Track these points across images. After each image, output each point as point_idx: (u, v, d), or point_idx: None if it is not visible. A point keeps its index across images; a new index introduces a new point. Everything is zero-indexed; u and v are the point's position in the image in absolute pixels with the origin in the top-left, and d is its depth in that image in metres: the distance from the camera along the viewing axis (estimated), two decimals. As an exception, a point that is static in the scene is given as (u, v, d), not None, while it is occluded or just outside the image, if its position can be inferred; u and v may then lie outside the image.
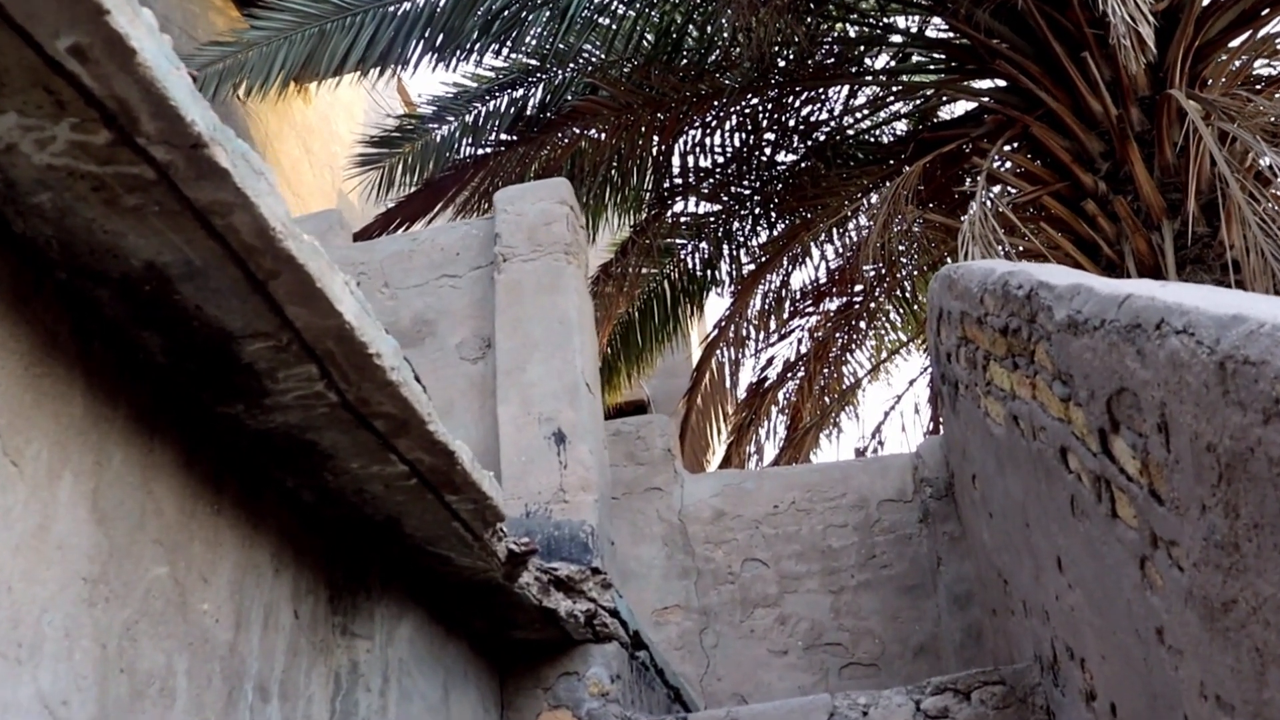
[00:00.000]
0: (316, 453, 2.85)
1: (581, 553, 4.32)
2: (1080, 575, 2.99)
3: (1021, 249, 7.15)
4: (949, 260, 9.63)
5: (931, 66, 9.30)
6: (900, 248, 9.60)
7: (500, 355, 4.88)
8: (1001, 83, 8.28)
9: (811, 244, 10.31)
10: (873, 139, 10.02)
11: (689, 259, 10.79)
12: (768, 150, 9.95)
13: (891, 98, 9.58)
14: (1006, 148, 7.79)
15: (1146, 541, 2.26)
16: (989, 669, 4.17)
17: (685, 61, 8.94)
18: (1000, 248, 6.49)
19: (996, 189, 8.13)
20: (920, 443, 6.88)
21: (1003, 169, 7.97)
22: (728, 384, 10.56)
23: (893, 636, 6.29)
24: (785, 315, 10.61)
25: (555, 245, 5.05)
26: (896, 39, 9.19)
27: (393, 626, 3.45)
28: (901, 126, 10.00)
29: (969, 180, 7.77)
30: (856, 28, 9.61)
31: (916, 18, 9.34)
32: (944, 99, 9.07)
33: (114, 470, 2.32)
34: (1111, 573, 2.62)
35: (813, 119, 9.69)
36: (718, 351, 10.47)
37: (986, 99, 8.24)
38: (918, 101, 9.55)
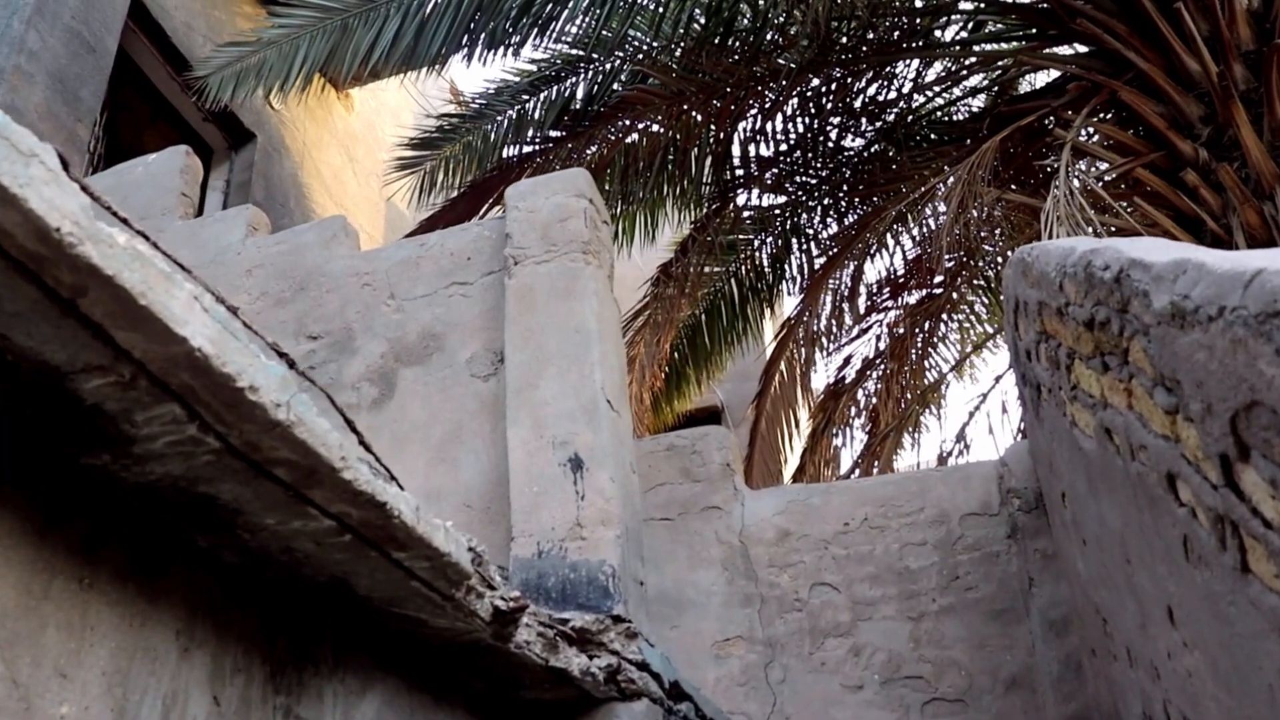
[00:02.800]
0: (220, 508, 2.29)
1: (601, 598, 3.72)
2: (1199, 635, 2.32)
3: (1114, 229, 6.40)
4: (1035, 245, 8.88)
5: (1007, 34, 8.53)
6: (981, 233, 8.85)
7: (510, 371, 4.30)
8: (1085, 47, 7.52)
9: (886, 234, 9.60)
10: (946, 118, 9.29)
11: (756, 255, 10.16)
12: (833, 135, 9.27)
13: (964, 71, 8.83)
14: (1093, 117, 7.04)
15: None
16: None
17: (738, 42, 8.28)
18: (1089, 228, 5.76)
19: (1083, 165, 7.36)
20: (1006, 448, 6.15)
21: (1090, 141, 7.21)
22: (799, 387, 9.88)
23: (981, 668, 5.58)
24: (861, 311, 9.92)
25: (571, 244, 4.45)
26: (967, 6, 8.43)
27: (353, 703, 2.88)
28: (977, 102, 9.25)
29: (1051, 155, 7.03)
30: (922, -3, 8.90)
31: (988, -18, 8.60)
32: (1022, 69, 8.30)
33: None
34: (1244, 644, 1.95)
35: (880, 99, 8.99)
36: (788, 352, 9.80)
37: (1069, 66, 7.47)
38: (994, 74, 8.80)
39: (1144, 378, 2.26)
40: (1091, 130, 7.18)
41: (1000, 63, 8.42)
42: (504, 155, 8.98)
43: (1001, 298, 9.76)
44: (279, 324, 5.08)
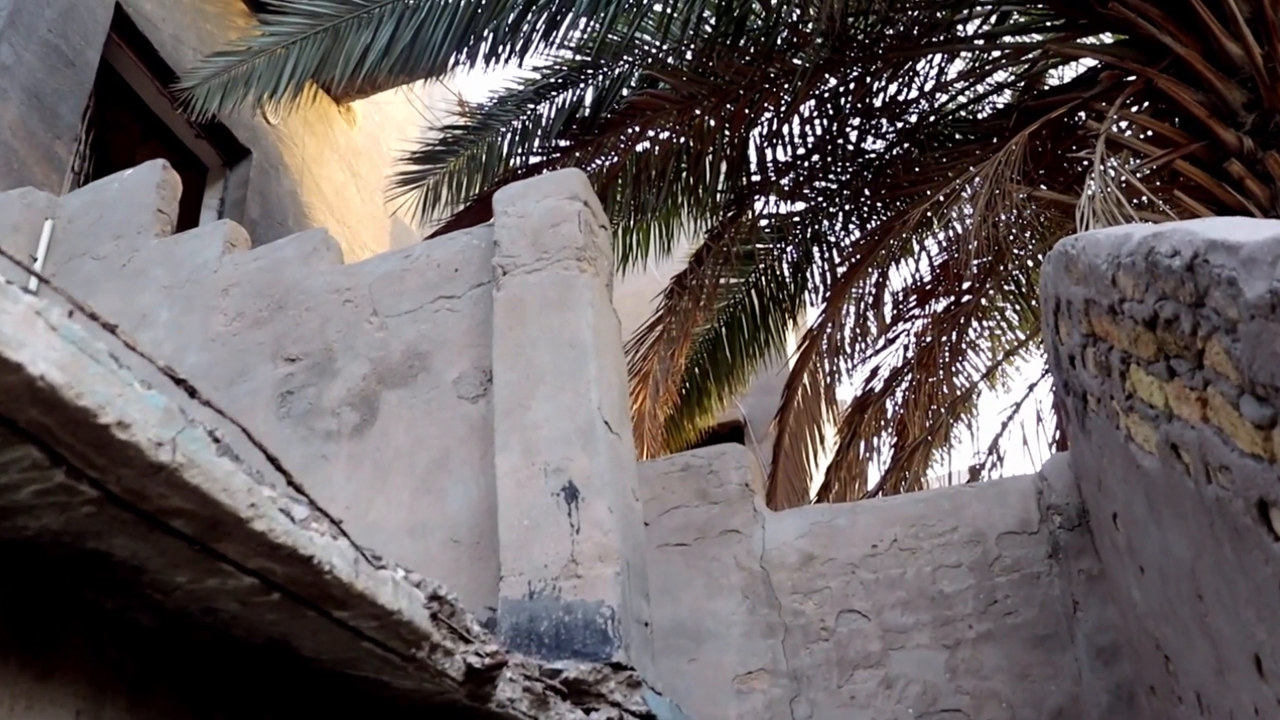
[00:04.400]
0: (119, 566, 1.92)
1: (599, 643, 3.32)
2: (1300, 696, 1.91)
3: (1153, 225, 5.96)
4: (1068, 246, 8.45)
5: (1034, 25, 8.11)
6: (1010, 235, 8.43)
7: (498, 392, 3.92)
8: (1117, 36, 7.11)
9: (910, 239, 9.18)
10: (970, 116, 8.87)
11: (776, 264, 9.77)
12: (853, 137, 8.88)
13: (989, 66, 8.42)
14: (1128, 109, 6.62)
15: None
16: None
17: (750, 43, 7.90)
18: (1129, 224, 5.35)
19: (1114, 162, 6.91)
20: (1045, 461, 5.72)
21: (1125, 133, 6.77)
22: (823, 400, 9.45)
23: (1024, 699, 5.15)
24: (886, 320, 9.48)
25: (565, 251, 4.07)
26: (990, -3, 8.03)
27: (305, 780, 2.50)
28: (1002, 99, 8.83)
29: (1084, 150, 6.62)
30: (942, -12, 8.48)
31: (1012, -29, 8.18)
32: (1051, 61, 7.87)
33: None
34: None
35: (900, 98, 8.60)
36: (811, 365, 9.38)
37: (1102, 56, 7.04)
38: (1020, 68, 8.37)
39: (1225, 385, 1.87)
40: (1126, 123, 6.75)
41: (1027, 56, 7.98)
42: (510, 167, 8.62)
43: (1034, 302, 9.35)
44: (256, 346, 4.73)
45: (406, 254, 4.64)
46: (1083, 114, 7.27)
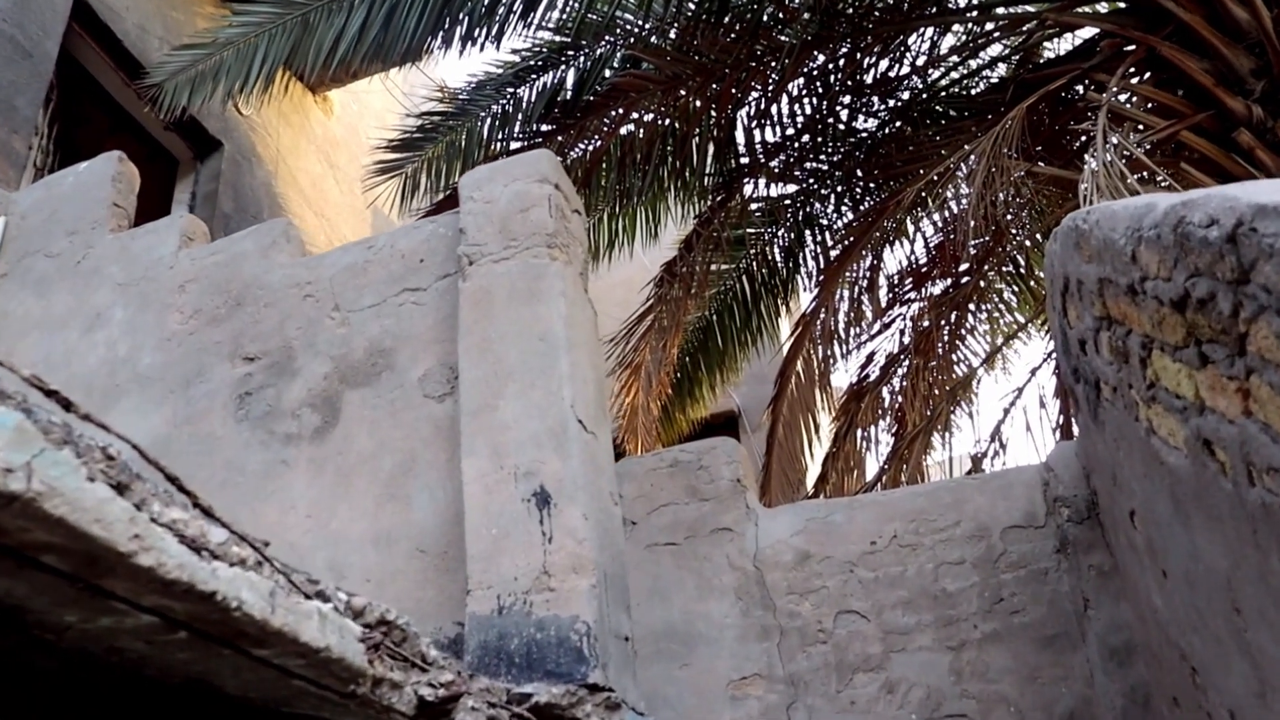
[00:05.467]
0: (-5, 606, 1.65)
1: (574, 663, 3.05)
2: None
3: (1159, 200, 5.68)
4: (1068, 225, 8.17)
5: (1028, -4, 7.82)
6: (1008, 214, 8.15)
7: (464, 390, 3.64)
8: (1114, 4, 6.83)
9: (905, 220, 8.90)
10: (965, 92, 8.57)
11: (767, 249, 9.49)
12: (843, 116, 8.59)
13: (983, 40, 8.12)
14: (1130, 79, 6.35)
15: None
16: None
17: (734, 19, 7.61)
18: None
19: (1114, 139, 6.61)
20: (1051, 451, 5.45)
21: (1128, 103, 6.48)
22: (817, 388, 9.17)
23: (1033, 703, 4.89)
24: (882, 304, 9.20)
25: (534, 237, 3.79)
26: (983, -34, 7.73)
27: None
28: (998, 74, 8.53)
29: (1086, 121, 6.33)
30: (933, -42, 8.18)
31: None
32: (1048, 31, 7.57)
33: None
34: None
35: (892, 74, 8.30)
36: (804, 352, 9.09)
37: (1102, 24, 6.75)
38: (1015, 40, 8.08)
39: (1274, 374, 1.60)
40: (1128, 94, 6.48)
41: (1023, 27, 7.69)
42: (491, 152, 8.33)
43: (1034, 283, 9.08)
44: (213, 344, 4.46)
45: (369, 245, 4.36)
46: (1082, 86, 7.00)
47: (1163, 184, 5.79)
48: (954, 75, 8.55)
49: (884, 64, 8.22)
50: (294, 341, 4.25)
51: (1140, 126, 6.36)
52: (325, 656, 1.92)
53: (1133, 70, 6.35)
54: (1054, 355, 7.89)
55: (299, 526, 3.86)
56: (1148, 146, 6.23)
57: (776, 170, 8.89)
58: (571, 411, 3.47)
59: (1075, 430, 8.17)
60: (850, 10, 7.60)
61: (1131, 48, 6.25)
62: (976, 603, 5.12)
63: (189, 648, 1.83)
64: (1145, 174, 5.64)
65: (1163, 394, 2.34)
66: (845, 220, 9.13)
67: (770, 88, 8.12)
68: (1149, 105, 6.48)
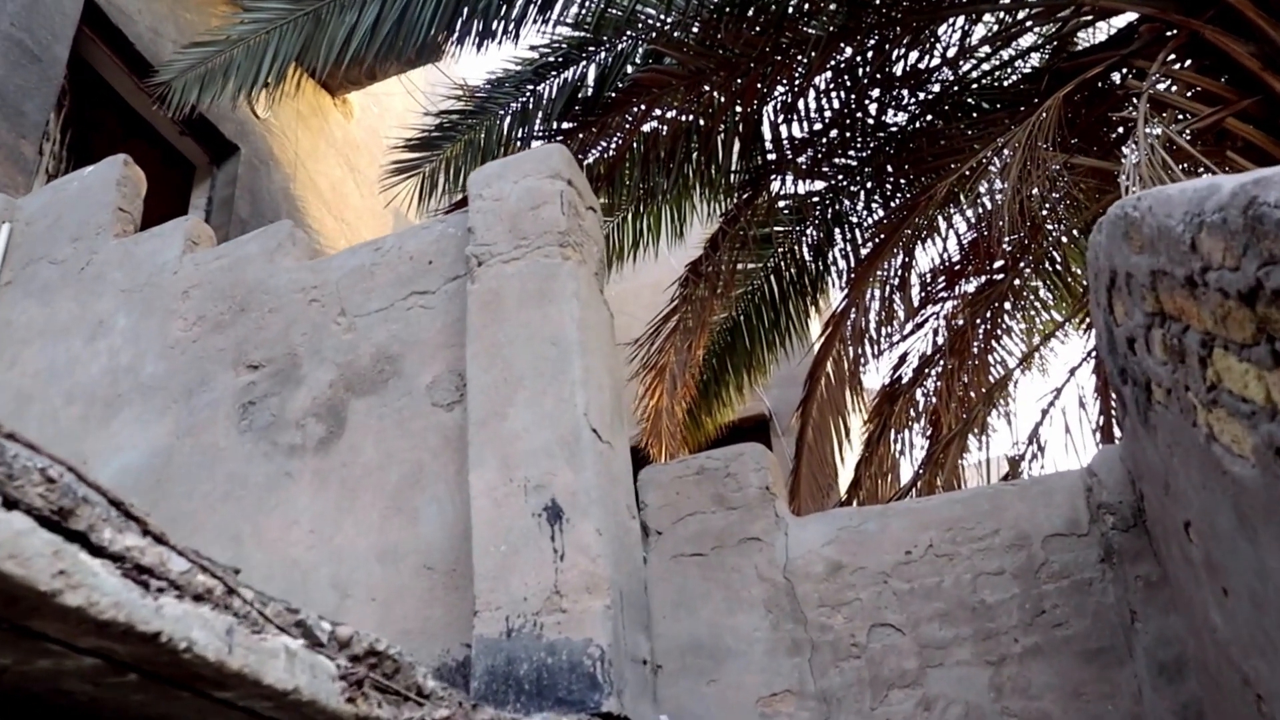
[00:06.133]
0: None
1: (587, 689, 2.85)
2: None
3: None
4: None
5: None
6: (1044, 209, 7.89)
7: (472, 398, 3.45)
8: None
9: (936, 216, 8.65)
10: (997, 83, 8.32)
11: (796, 247, 9.26)
12: (872, 110, 8.36)
13: (1016, 28, 7.87)
14: (1171, 65, 6.09)
15: None
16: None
17: (759, 12, 7.39)
18: (1180, 187, 4.82)
19: (1152, 129, 6.35)
20: (1094, 455, 5.19)
21: (1169, 90, 6.23)
22: (848, 390, 8.93)
23: (1078, 720, 4.64)
24: (914, 303, 8.95)
25: (546, 237, 3.60)
26: (1014, -48, 7.48)
27: None
28: (1031, 63, 8.28)
29: (1125, 110, 6.10)
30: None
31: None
32: (1083, 18, 7.31)
33: None
34: None
35: (922, 66, 8.06)
36: (835, 353, 8.86)
37: (1140, 8, 6.49)
38: (1050, 28, 7.83)
39: (1370, 376, 1.37)
40: (1169, 80, 6.22)
41: (1058, 15, 7.43)
42: (510, 151, 8.15)
43: (1070, 280, 8.82)
44: (217, 352, 4.29)
45: (377, 246, 4.18)
46: (1119, 74, 6.75)
47: (1205, 174, 5.54)
48: (986, 66, 8.31)
49: (913, 56, 7.99)
50: (299, 348, 4.08)
51: (1182, 114, 6.12)
52: (295, 699, 1.73)
53: (1174, 56, 6.09)
54: (1094, 354, 7.63)
55: (302, 541, 3.68)
56: (1190, 135, 5.98)
57: (804, 166, 8.67)
58: (585, 420, 3.27)
59: (1117, 431, 7.91)
60: (878, 1, 7.37)
61: (1173, 32, 6.00)
62: (1017, 615, 4.88)
63: (142, 690, 1.64)
64: (1189, 164, 5.38)
65: (1226, 397, 2.11)
66: (875, 217, 8.90)
67: (796, 82, 7.90)
68: (1190, 92, 6.23)
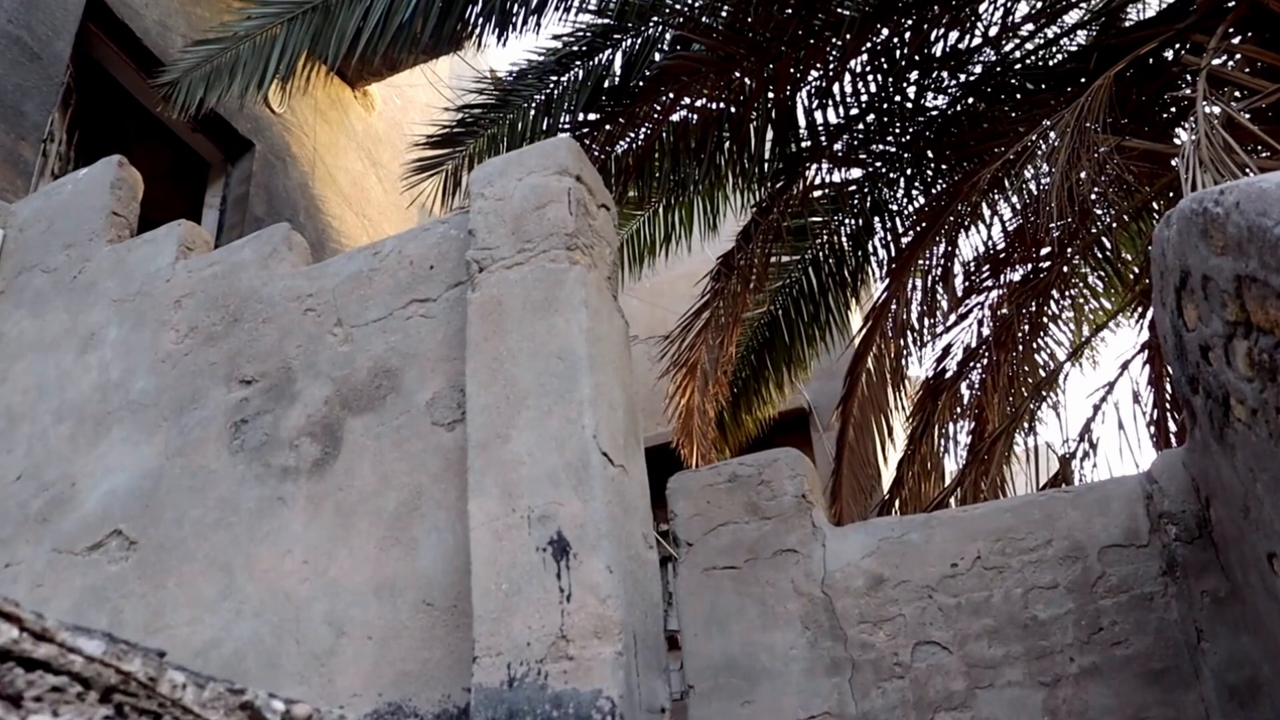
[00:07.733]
0: None
1: (597, 747, 2.55)
2: None
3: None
4: (1158, 205, 7.50)
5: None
6: (1094, 194, 7.50)
7: (472, 419, 3.16)
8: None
9: (980, 203, 8.27)
10: (1042, 63, 7.93)
11: (834, 238, 8.91)
12: (911, 93, 7.99)
13: (1061, 4, 7.48)
14: (1229, 39, 5.70)
15: None
16: None
17: (789, -8, 7.05)
18: (1245, 171, 4.45)
19: (1216, 105, 5.94)
20: (1154, 460, 4.83)
21: (1229, 66, 5.84)
22: (889, 386, 8.58)
23: (1141, 747, 4.31)
24: (958, 293, 8.58)
25: (551, 239, 3.29)
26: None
27: None
28: (1077, 42, 7.88)
29: (1180, 89, 5.72)
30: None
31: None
32: (1133, -12, 6.93)
33: None
34: None
35: (962, 47, 7.69)
36: (875, 347, 8.51)
37: (1193, -19, 6.12)
38: (1096, 3, 7.44)
39: None
40: (1228, 55, 5.83)
41: (1105, -12, 7.05)
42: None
43: (1120, 267, 8.42)
44: (208, 366, 4.03)
45: (376, 250, 3.90)
46: (1173, 51, 6.36)
47: (1266, 157, 5.15)
48: (1030, 45, 7.92)
49: (953, 36, 7.63)
50: (293, 361, 3.81)
51: (1243, 91, 5.72)
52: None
53: (1233, 29, 5.70)
54: (1148, 347, 7.25)
55: (296, 573, 3.41)
56: (1249, 114, 5.59)
57: (840, 154, 8.32)
58: (594, 443, 2.96)
59: (1171, 425, 7.52)
60: (915, -22, 7.02)
61: (1231, 4, 5.62)
62: (1072, 632, 4.55)
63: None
64: (1253, 145, 5.01)
65: (1332, 426, 1.78)
66: (916, 205, 8.54)
67: (831, 66, 7.56)
68: (1251, 68, 5.83)
